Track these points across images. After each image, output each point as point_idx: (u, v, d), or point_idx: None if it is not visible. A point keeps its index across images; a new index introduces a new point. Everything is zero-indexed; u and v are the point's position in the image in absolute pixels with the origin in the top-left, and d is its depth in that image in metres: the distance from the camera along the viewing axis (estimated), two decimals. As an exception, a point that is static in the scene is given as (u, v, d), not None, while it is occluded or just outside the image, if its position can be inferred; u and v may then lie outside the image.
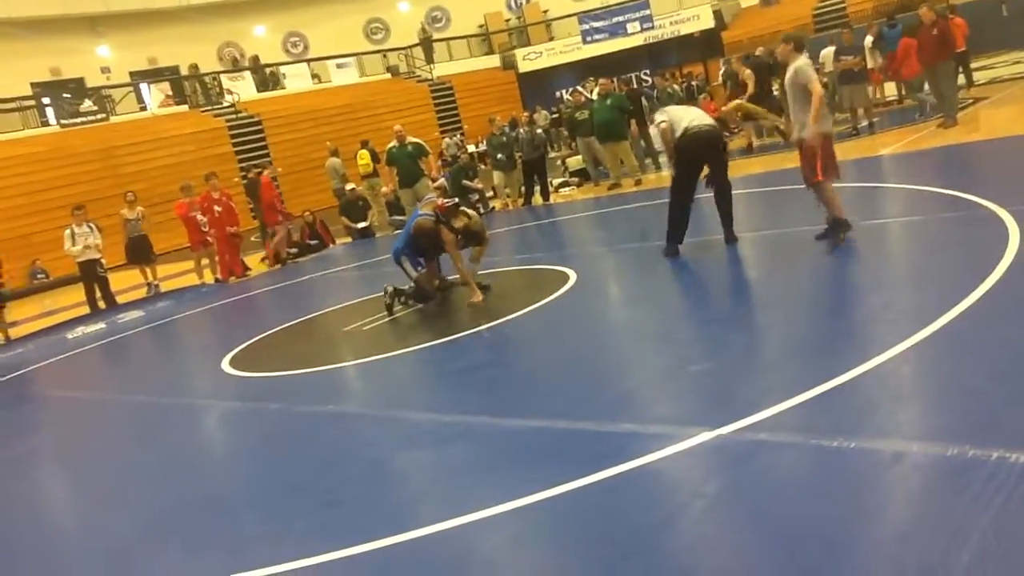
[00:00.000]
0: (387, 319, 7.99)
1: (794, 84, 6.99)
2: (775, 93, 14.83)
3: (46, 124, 24.55)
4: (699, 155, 7.84)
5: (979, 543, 2.67)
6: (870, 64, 15.36)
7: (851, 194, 9.37)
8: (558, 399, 4.95)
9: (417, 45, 31.69)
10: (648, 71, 28.80)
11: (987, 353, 4.22)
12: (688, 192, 7.95)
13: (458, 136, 23.98)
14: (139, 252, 14.38)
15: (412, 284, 8.12)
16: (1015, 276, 5.13)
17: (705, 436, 3.85)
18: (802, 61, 7.02)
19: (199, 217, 13.84)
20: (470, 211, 8.39)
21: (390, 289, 8.17)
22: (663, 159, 16.02)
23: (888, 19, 17.71)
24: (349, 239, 16.14)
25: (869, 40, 16.56)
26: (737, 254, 7.59)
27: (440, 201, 8.16)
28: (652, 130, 16.29)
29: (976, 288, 5.00)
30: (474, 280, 7.96)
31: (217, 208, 13.81)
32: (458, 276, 8.12)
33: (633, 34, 29.49)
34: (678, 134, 7.77)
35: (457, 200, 8.31)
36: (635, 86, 19.92)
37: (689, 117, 7.91)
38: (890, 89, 17.36)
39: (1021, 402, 3.58)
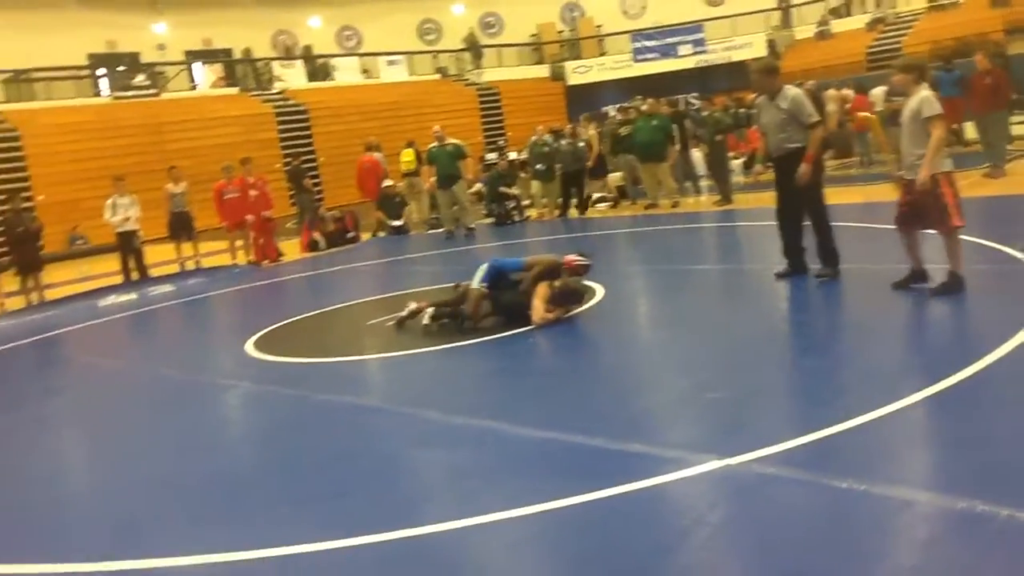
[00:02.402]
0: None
1: (916, 118, 6.30)
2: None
3: (98, 95, 24.98)
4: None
5: (979, 598, 2.65)
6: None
7: (890, 237, 9.32)
8: (572, 413, 4.95)
9: (466, 50, 31.86)
10: (696, 94, 28.74)
11: (1009, 409, 4.18)
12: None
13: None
14: (180, 227, 14.56)
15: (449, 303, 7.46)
16: (1045, 334, 5.07)
17: (715, 464, 3.84)
18: (928, 92, 6.33)
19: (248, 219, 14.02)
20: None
21: (431, 311, 7.44)
22: (704, 183, 16.03)
23: (945, 63, 17.52)
24: (383, 233, 16.23)
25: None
26: (777, 284, 7.51)
27: (572, 258, 7.38)
28: (695, 154, 16.38)
29: (1005, 342, 4.95)
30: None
31: (253, 192, 13.99)
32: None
33: (684, 56, 29.48)
34: None
35: (589, 263, 7.47)
36: (681, 108, 19.85)
37: None
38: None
39: (1038, 461, 3.55)
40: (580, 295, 7.33)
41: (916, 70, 6.52)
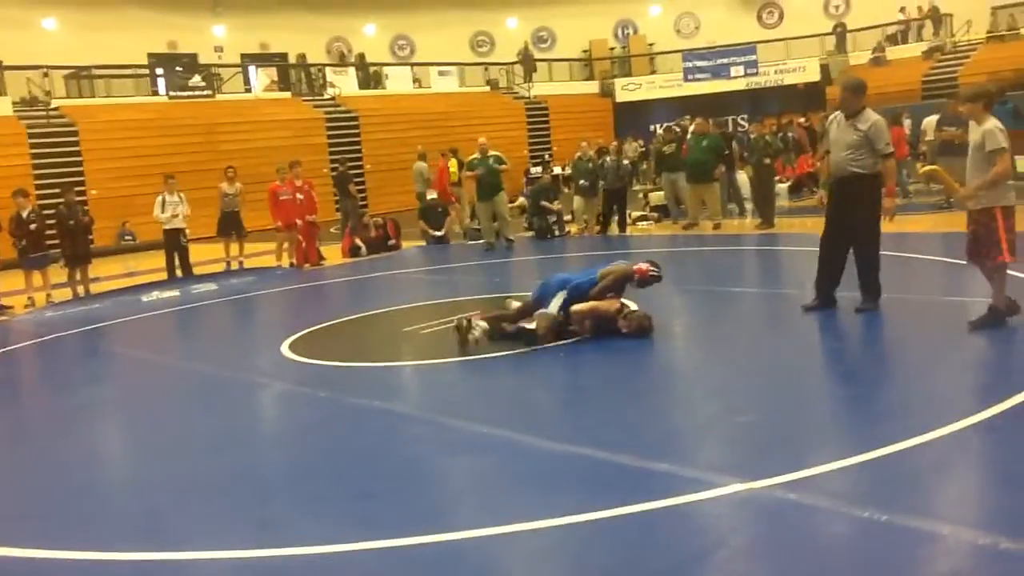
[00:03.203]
0: (445, 325, 7.97)
1: (979, 150, 6.17)
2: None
3: (156, 94, 25.52)
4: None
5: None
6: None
7: (935, 268, 9.21)
8: (600, 428, 4.96)
9: (518, 63, 32.05)
10: (746, 116, 28.57)
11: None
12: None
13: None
14: (230, 226, 14.83)
15: (518, 324, 7.24)
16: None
17: (738, 487, 3.83)
18: (993, 123, 6.20)
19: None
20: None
21: (484, 325, 7.09)
22: (749, 206, 15.91)
23: (1000, 94, 17.19)
24: (423, 243, 16.33)
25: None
26: (814, 313, 7.39)
27: (645, 267, 7.34)
28: (741, 176, 16.28)
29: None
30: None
31: (299, 196, 14.18)
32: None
33: (736, 78, 29.31)
34: None
35: (660, 276, 7.43)
36: (729, 130, 19.82)
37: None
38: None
39: (1067, 502, 3.49)
40: (647, 330, 7.06)
41: (984, 98, 6.36)
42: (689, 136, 15.57)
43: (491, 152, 14.96)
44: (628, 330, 7.03)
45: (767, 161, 14.35)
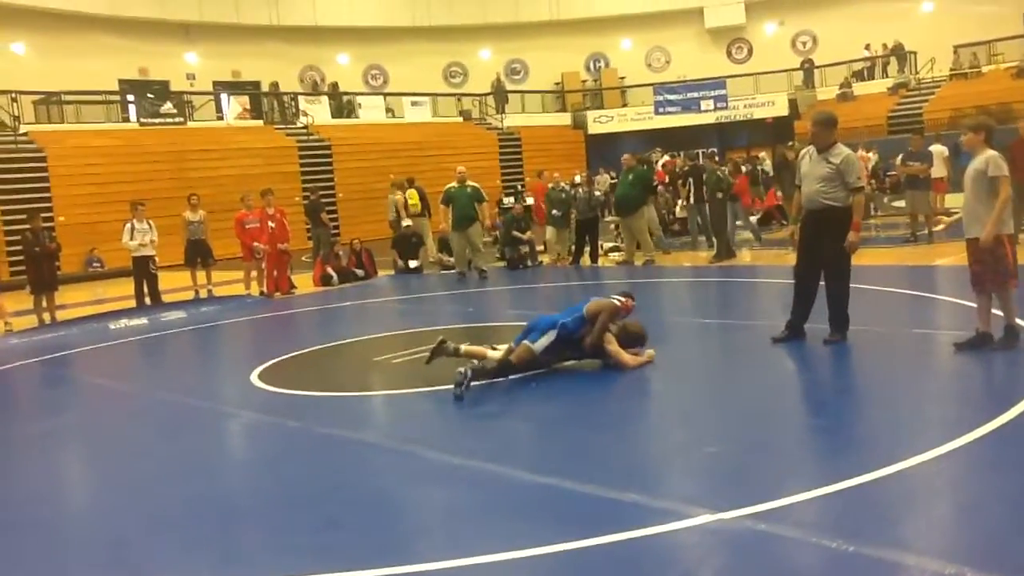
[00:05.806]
0: (416, 355, 7.94)
1: (981, 177, 6.38)
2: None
3: (126, 120, 25.39)
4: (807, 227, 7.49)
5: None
6: (940, 173, 15.32)
7: (901, 301, 9.33)
8: (569, 459, 4.95)
9: (491, 94, 32.29)
10: (716, 149, 28.89)
11: (1006, 477, 4.16)
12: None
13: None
14: (197, 254, 14.69)
15: (500, 361, 6.90)
16: (1049, 404, 5.05)
17: (707, 518, 3.83)
18: (994, 152, 6.44)
19: (256, 245, 14.04)
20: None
21: (468, 373, 6.54)
22: (747, 234, 15.98)
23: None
24: (392, 271, 16.26)
25: (943, 150, 16.49)
26: (783, 344, 7.44)
27: (629, 302, 7.32)
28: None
29: (1008, 410, 4.95)
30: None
31: (271, 224, 14.09)
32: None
33: (706, 111, 29.76)
34: None
35: (634, 303, 7.44)
36: (699, 162, 20.02)
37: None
38: (953, 200, 17.23)
39: (1029, 532, 3.53)
40: (643, 337, 7.28)
41: (985, 129, 6.59)
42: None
43: (469, 183, 14.93)
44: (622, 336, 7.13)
45: (719, 195, 14.49)
